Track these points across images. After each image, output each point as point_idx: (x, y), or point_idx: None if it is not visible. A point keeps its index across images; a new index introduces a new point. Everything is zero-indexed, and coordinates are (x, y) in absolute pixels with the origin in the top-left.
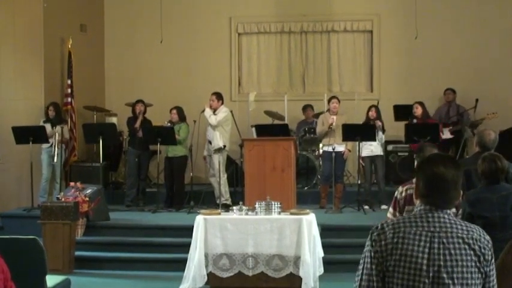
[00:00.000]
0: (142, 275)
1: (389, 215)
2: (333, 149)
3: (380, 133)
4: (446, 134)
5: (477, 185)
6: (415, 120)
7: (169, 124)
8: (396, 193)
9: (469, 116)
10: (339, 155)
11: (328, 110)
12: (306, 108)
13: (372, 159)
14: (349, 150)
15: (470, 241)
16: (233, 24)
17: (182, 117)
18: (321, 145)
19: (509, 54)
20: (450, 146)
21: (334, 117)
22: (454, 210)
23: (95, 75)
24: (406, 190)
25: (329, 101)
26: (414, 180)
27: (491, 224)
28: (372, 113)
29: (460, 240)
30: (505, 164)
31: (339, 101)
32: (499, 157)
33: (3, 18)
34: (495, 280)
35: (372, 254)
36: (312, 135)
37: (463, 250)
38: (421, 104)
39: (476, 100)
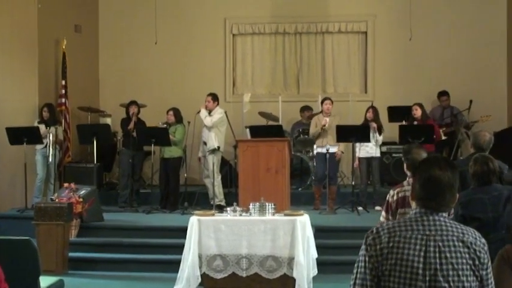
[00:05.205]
0: (136, 276)
1: (382, 218)
2: (327, 150)
3: (376, 134)
4: None
5: None
6: (415, 122)
7: (164, 125)
8: (388, 196)
9: (463, 117)
10: (332, 156)
11: (322, 112)
12: (303, 109)
13: (369, 160)
14: (342, 152)
15: (466, 244)
16: (227, 25)
17: (179, 119)
18: (314, 146)
19: (503, 55)
20: (444, 147)
21: (327, 118)
22: (445, 214)
23: (89, 76)
24: (398, 193)
25: (322, 102)
26: (405, 182)
27: (485, 225)
28: (369, 114)
29: (456, 243)
30: (496, 165)
31: (332, 102)
32: (491, 159)
33: None
34: (493, 284)
35: (367, 258)
36: (306, 136)
37: (459, 253)
38: (420, 105)
39: (470, 101)
